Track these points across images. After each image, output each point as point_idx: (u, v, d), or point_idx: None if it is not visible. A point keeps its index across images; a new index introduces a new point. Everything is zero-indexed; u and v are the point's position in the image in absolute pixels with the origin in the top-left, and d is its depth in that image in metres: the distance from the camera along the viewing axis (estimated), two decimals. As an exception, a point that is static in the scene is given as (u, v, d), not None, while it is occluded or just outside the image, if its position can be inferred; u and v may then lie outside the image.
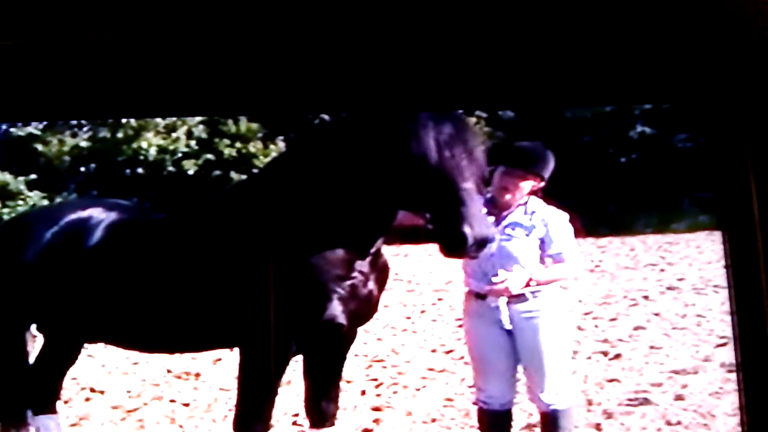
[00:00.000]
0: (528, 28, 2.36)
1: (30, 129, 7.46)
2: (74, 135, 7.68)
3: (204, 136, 7.86)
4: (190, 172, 7.65)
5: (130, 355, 4.11)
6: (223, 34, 2.37)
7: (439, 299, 5.76)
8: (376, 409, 3.89)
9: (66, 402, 3.91)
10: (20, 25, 2.32)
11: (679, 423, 3.54)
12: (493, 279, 2.89)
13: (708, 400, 3.74)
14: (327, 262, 2.86)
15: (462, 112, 2.94)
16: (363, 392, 4.08)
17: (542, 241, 2.98)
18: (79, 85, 2.40)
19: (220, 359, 4.28)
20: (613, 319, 5.17)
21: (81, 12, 2.31)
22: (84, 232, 3.13)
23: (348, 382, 3.97)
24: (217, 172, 7.73)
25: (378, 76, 2.41)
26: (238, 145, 7.86)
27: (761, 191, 2.32)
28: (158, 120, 7.49)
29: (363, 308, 2.98)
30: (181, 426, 3.81)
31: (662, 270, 6.51)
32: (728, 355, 3.98)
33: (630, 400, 3.81)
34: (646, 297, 5.66)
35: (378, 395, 4.07)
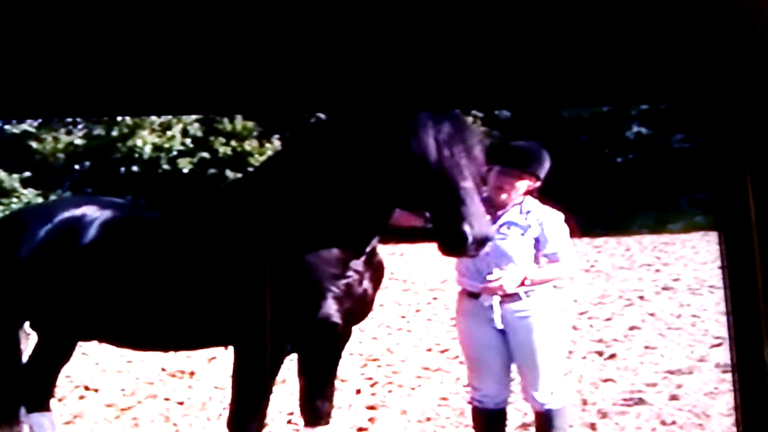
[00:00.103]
0: (525, 28, 2.36)
1: (25, 126, 7.43)
2: (69, 132, 7.65)
3: (199, 134, 7.84)
4: (185, 171, 7.63)
5: (124, 354, 4.09)
6: (219, 32, 2.36)
7: (435, 298, 5.75)
8: (371, 407, 3.89)
9: (60, 400, 3.90)
10: (16, 23, 2.31)
11: (674, 423, 3.55)
12: (488, 278, 2.89)
13: (703, 400, 3.74)
14: (322, 260, 2.86)
15: (459, 112, 2.94)
16: (358, 391, 4.07)
17: (537, 240, 2.99)
18: (75, 83, 2.39)
19: (214, 358, 4.27)
20: (608, 319, 5.18)
21: (76, 10, 2.30)
22: (78, 229, 3.12)
23: (343, 380, 3.97)
24: (213, 171, 7.71)
25: (374, 75, 2.41)
26: (233, 143, 7.84)
27: (758, 192, 2.32)
28: (153, 118, 7.46)
29: (358, 307, 2.98)
30: (175, 424, 3.80)
31: (657, 270, 6.51)
32: (723, 355, 4.00)
33: (625, 399, 3.82)
34: (641, 297, 5.66)
35: (373, 394, 4.06)
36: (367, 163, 2.81)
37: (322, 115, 3.48)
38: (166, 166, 7.64)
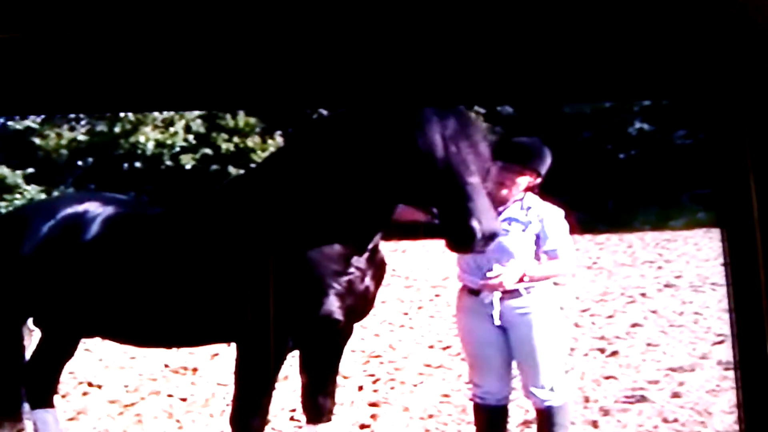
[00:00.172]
0: (527, 24, 2.36)
1: (28, 122, 7.44)
2: (72, 129, 7.65)
3: (202, 130, 7.84)
4: (188, 167, 7.63)
5: (127, 350, 4.09)
6: (222, 28, 2.36)
7: (437, 295, 5.75)
8: (373, 404, 3.89)
9: (63, 396, 3.90)
10: (19, 18, 2.31)
11: (675, 420, 3.54)
12: (488, 274, 2.89)
13: (705, 398, 3.74)
14: (324, 257, 2.86)
15: (463, 108, 2.94)
16: (360, 388, 4.08)
17: (537, 236, 2.99)
18: (77, 79, 2.39)
19: (217, 354, 4.27)
20: (610, 316, 5.17)
21: (79, 6, 2.30)
22: (81, 226, 3.13)
23: (345, 377, 3.97)
24: (215, 167, 7.71)
25: (376, 71, 2.41)
26: (236, 139, 7.84)
27: (760, 188, 2.32)
28: (156, 114, 7.46)
29: (360, 304, 2.98)
30: (178, 421, 3.81)
31: (660, 267, 6.50)
32: (725, 352, 4.00)
33: (627, 397, 3.82)
34: (643, 294, 5.66)
35: (375, 391, 4.07)
36: (371, 159, 2.81)
37: (324, 112, 3.48)
38: (168, 163, 7.64)
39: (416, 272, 6.34)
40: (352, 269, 2.91)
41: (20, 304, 3.21)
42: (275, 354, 2.85)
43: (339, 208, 2.87)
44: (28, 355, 3.32)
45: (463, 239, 2.68)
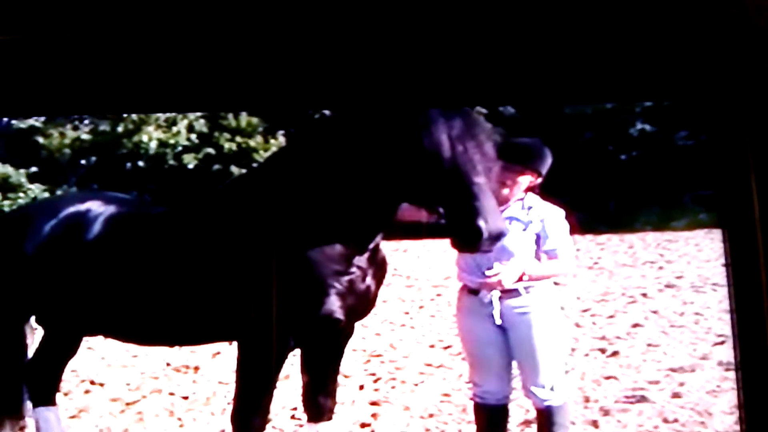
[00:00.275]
0: (529, 24, 2.36)
1: (31, 121, 7.46)
2: (75, 128, 7.68)
3: (204, 130, 7.86)
4: (191, 166, 7.65)
5: (129, 348, 4.11)
6: (225, 28, 2.36)
7: (438, 295, 5.76)
8: (374, 403, 3.90)
9: (66, 394, 3.92)
10: (21, 20, 2.32)
11: (676, 420, 3.55)
12: (487, 272, 2.90)
13: (705, 398, 3.74)
14: (326, 257, 2.86)
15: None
16: (361, 387, 4.09)
17: (538, 236, 2.99)
18: (80, 80, 2.40)
19: (219, 353, 4.29)
20: (611, 317, 5.18)
21: (81, 7, 2.31)
22: (84, 225, 3.14)
23: (346, 376, 3.98)
24: (218, 166, 7.73)
25: (378, 72, 2.41)
26: (238, 139, 7.86)
27: (762, 189, 2.32)
28: (159, 114, 7.48)
29: (361, 303, 2.98)
30: (179, 419, 3.82)
31: (661, 267, 6.51)
32: (726, 353, 4.00)
33: (627, 397, 3.82)
34: (644, 294, 5.66)
35: (376, 390, 4.08)
36: (377, 158, 2.81)
37: (326, 112, 3.49)
38: (171, 162, 7.66)
39: (417, 272, 6.35)
40: (353, 269, 2.92)
41: (23, 302, 3.21)
42: (276, 353, 2.86)
43: (341, 207, 2.87)
44: (30, 353, 3.33)
45: (470, 239, 2.69)
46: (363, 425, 3.67)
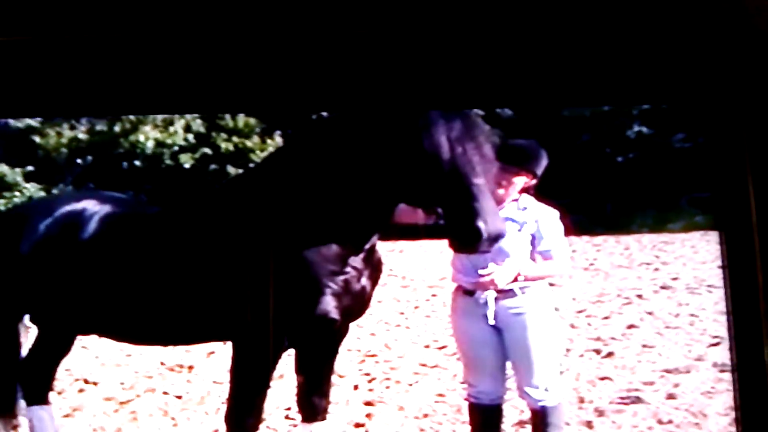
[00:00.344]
0: (527, 27, 2.36)
1: (28, 121, 7.45)
2: (72, 127, 7.67)
3: (202, 130, 7.85)
4: (187, 166, 7.65)
5: (123, 347, 4.10)
6: (223, 30, 2.36)
7: (433, 295, 5.77)
8: (369, 403, 3.90)
9: (59, 393, 3.91)
10: (19, 22, 2.31)
11: (670, 422, 3.55)
12: (480, 272, 2.90)
13: (700, 400, 3.75)
14: (321, 257, 2.86)
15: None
16: (355, 387, 4.09)
17: (533, 237, 3.00)
18: (78, 82, 2.39)
19: (213, 352, 4.28)
20: (606, 318, 5.19)
21: (80, 9, 2.31)
22: (79, 224, 3.13)
23: (340, 376, 3.98)
24: (214, 167, 7.72)
25: (375, 74, 2.41)
26: (235, 139, 7.85)
27: (759, 192, 2.32)
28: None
29: (356, 304, 2.98)
30: (173, 418, 3.81)
31: (656, 269, 6.52)
32: (721, 354, 4.01)
33: (622, 398, 3.83)
34: (639, 296, 5.67)
35: (370, 390, 4.07)
36: (375, 159, 2.81)
37: (324, 113, 3.49)
38: (168, 162, 7.65)
39: (413, 272, 6.35)
40: (348, 269, 2.91)
41: (17, 301, 3.21)
42: (271, 353, 2.86)
43: (338, 208, 2.87)
44: (24, 352, 3.33)
45: (469, 240, 2.69)
46: (357, 425, 3.67)
